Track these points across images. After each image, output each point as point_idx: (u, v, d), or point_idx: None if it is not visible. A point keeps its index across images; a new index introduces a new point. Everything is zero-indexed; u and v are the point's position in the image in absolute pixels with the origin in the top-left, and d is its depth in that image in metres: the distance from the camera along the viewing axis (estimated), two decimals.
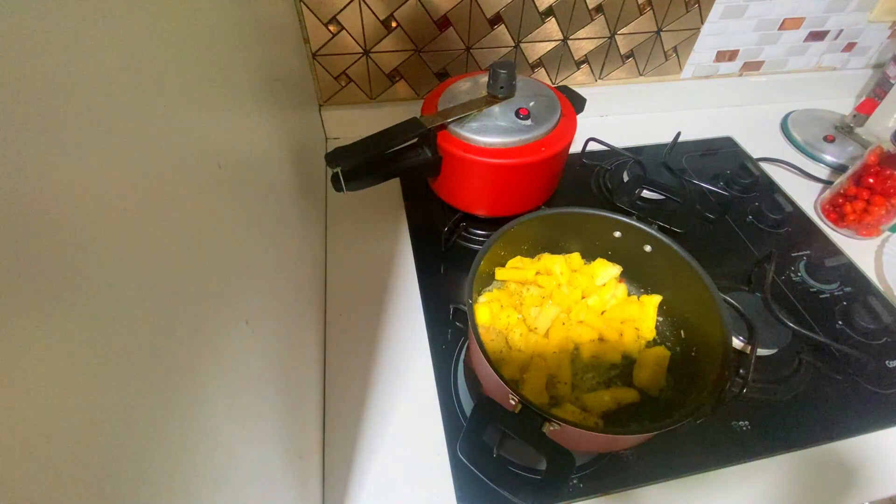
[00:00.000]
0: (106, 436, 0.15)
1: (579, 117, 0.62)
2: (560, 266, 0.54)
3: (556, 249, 0.57)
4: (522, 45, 0.77)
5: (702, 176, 0.77)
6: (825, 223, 0.72)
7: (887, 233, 0.70)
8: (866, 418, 0.51)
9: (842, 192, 0.70)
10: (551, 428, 0.37)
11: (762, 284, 0.59)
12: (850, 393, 0.53)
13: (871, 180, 0.66)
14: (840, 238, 0.70)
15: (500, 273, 0.55)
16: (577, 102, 0.65)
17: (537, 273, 0.55)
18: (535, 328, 0.50)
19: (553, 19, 0.74)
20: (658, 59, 0.84)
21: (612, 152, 0.76)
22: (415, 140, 0.57)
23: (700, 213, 0.71)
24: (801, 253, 0.67)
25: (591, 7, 0.74)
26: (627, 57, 0.83)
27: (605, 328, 0.51)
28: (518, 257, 0.56)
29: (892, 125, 0.80)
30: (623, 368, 0.50)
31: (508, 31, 0.74)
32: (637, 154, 0.76)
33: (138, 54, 0.19)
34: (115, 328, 0.16)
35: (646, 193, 0.72)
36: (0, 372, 0.11)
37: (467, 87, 0.62)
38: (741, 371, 0.53)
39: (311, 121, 0.71)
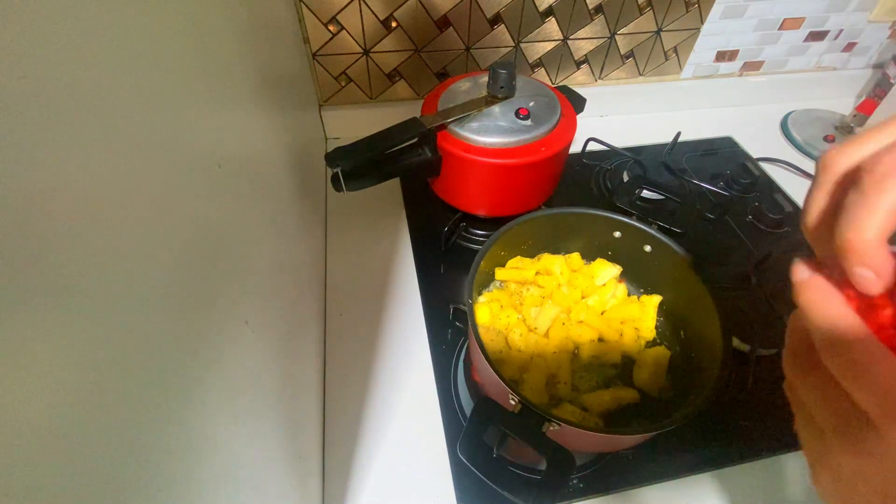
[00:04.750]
0: (105, 436, 0.15)
1: (579, 117, 0.62)
2: (560, 266, 0.54)
3: (556, 249, 0.57)
4: (522, 45, 0.77)
5: (702, 176, 0.77)
6: None
7: None
8: None
9: None
10: (551, 428, 0.37)
11: (762, 284, 0.59)
12: None
13: None
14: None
15: (500, 273, 0.55)
16: (577, 102, 0.65)
17: (537, 273, 0.55)
18: (535, 328, 0.50)
19: (553, 19, 0.74)
20: (658, 59, 0.84)
21: (612, 152, 0.76)
22: (415, 140, 0.57)
23: (700, 213, 0.71)
24: (801, 253, 0.67)
25: (591, 7, 0.74)
26: (627, 57, 0.83)
27: (605, 328, 0.51)
28: (518, 257, 0.56)
29: None
30: (623, 368, 0.50)
31: (508, 31, 0.74)
32: (637, 154, 0.76)
33: (138, 54, 0.19)
34: (113, 328, 0.16)
35: (646, 193, 0.72)
36: (0, 371, 0.11)
37: (467, 87, 0.62)
38: (741, 371, 0.53)
39: (311, 121, 0.71)
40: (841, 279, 0.21)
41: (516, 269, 0.54)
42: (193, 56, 0.26)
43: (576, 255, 0.57)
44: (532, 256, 0.57)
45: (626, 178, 0.75)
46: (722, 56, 0.86)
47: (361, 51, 0.72)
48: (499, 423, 0.37)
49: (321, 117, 0.79)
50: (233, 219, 0.29)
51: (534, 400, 0.38)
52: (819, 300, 0.21)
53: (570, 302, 0.52)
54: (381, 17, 0.69)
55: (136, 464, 0.16)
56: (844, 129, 0.86)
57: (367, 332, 0.57)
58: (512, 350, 0.50)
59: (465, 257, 0.65)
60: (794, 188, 0.77)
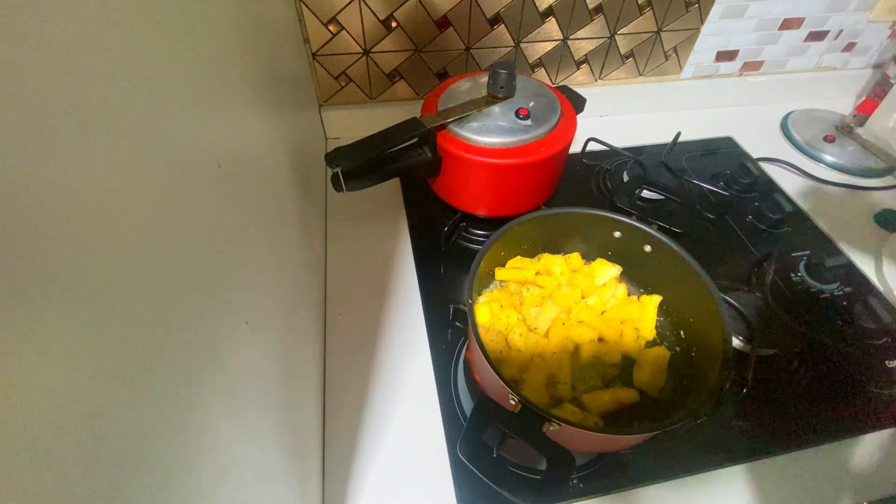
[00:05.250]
0: (105, 435, 0.15)
1: (579, 117, 0.62)
2: (560, 266, 0.54)
3: (556, 249, 0.57)
4: (522, 45, 0.77)
5: (702, 176, 0.77)
6: None
7: (886, 232, 0.70)
8: (866, 418, 0.51)
9: None
10: (551, 428, 0.37)
11: (762, 284, 0.59)
12: (850, 393, 0.53)
13: None
14: (840, 238, 0.70)
15: (500, 273, 0.55)
16: (577, 102, 0.65)
17: (537, 273, 0.55)
18: (535, 328, 0.50)
19: (553, 19, 0.74)
20: (658, 59, 0.84)
21: (612, 152, 0.76)
22: (415, 140, 0.57)
23: (700, 213, 0.71)
24: (801, 253, 0.67)
25: (591, 7, 0.74)
26: (627, 57, 0.83)
27: (605, 328, 0.51)
28: (518, 257, 0.56)
29: (892, 125, 0.80)
30: (623, 368, 0.50)
31: (508, 31, 0.74)
32: (637, 154, 0.76)
33: (138, 54, 0.19)
34: (114, 328, 0.16)
35: (646, 193, 0.72)
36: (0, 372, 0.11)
37: (467, 87, 0.62)
38: (741, 371, 0.53)
39: (311, 121, 0.71)
40: None
41: (516, 269, 0.54)
42: (193, 56, 0.26)
43: (576, 255, 0.57)
44: (532, 256, 0.57)
45: (626, 178, 0.75)
46: (722, 56, 0.86)
47: (361, 51, 0.72)
48: (499, 423, 0.37)
49: (321, 117, 0.79)
50: (232, 218, 0.29)
51: (534, 400, 0.38)
52: None
53: (570, 302, 0.52)
54: (381, 17, 0.69)
55: (135, 463, 0.16)
56: (844, 130, 0.86)
57: (367, 332, 0.57)
58: (512, 350, 0.50)
59: (465, 257, 0.65)
60: (794, 188, 0.77)
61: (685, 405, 0.42)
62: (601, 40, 0.79)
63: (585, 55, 0.81)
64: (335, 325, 0.58)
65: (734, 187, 0.76)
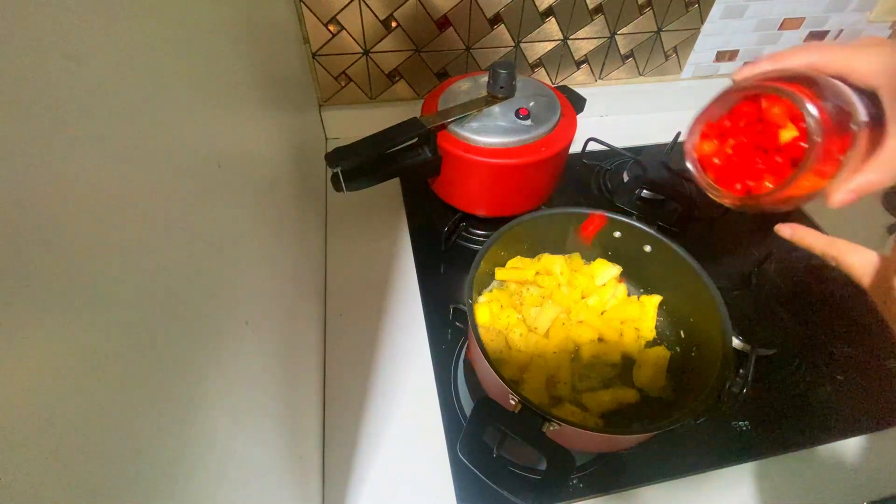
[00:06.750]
0: (105, 435, 0.15)
1: (579, 117, 0.62)
2: (560, 266, 0.54)
3: (556, 249, 0.57)
4: (522, 45, 0.77)
5: None
6: None
7: (887, 233, 0.70)
8: (866, 418, 0.51)
9: None
10: (551, 428, 0.37)
11: (762, 284, 0.59)
12: (850, 393, 0.53)
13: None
14: (840, 238, 0.70)
15: (500, 273, 0.55)
16: (577, 102, 0.65)
17: (537, 273, 0.55)
18: (535, 328, 0.50)
19: (553, 19, 0.74)
20: (658, 59, 0.84)
21: (612, 152, 0.76)
22: (415, 140, 0.57)
23: (700, 214, 0.71)
24: (801, 253, 0.67)
25: (591, 7, 0.74)
26: (627, 57, 0.83)
27: (605, 328, 0.51)
28: (518, 257, 0.56)
29: None
30: (623, 368, 0.50)
31: (508, 31, 0.74)
32: (637, 154, 0.76)
33: (138, 55, 0.19)
34: (114, 329, 0.16)
35: (646, 193, 0.72)
36: (1, 371, 0.11)
37: (467, 87, 0.62)
38: (741, 371, 0.53)
39: (311, 121, 0.71)
40: None
41: (516, 269, 0.54)
42: (193, 57, 0.26)
43: (576, 255, 0.57)
44: (532, 256, 0.57)
45: (626, 178, 0.75)
46: (722, 56, 0.86)
47: (361, 51, 0.72)
48: (499, 423, 0.37)
49: (321, 117, 0.79)
50: (233, 219, 0.29)
51: (534, 400, 0.38)
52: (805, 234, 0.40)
53: (570, 302, 0.52)
54: (381, 17, 0.69)
55: (135, 462, 0.16)
56: None
57: (367, 333, 0.57)
58: (512, 350, 0.50)
59: (465, 257, 0.65)
60: None
61: (685, 405, 0.42)
62: (601, 40, 0.79)
63: (585, 55, 0.81)
64: (335, 325, 0.58)
65: None
